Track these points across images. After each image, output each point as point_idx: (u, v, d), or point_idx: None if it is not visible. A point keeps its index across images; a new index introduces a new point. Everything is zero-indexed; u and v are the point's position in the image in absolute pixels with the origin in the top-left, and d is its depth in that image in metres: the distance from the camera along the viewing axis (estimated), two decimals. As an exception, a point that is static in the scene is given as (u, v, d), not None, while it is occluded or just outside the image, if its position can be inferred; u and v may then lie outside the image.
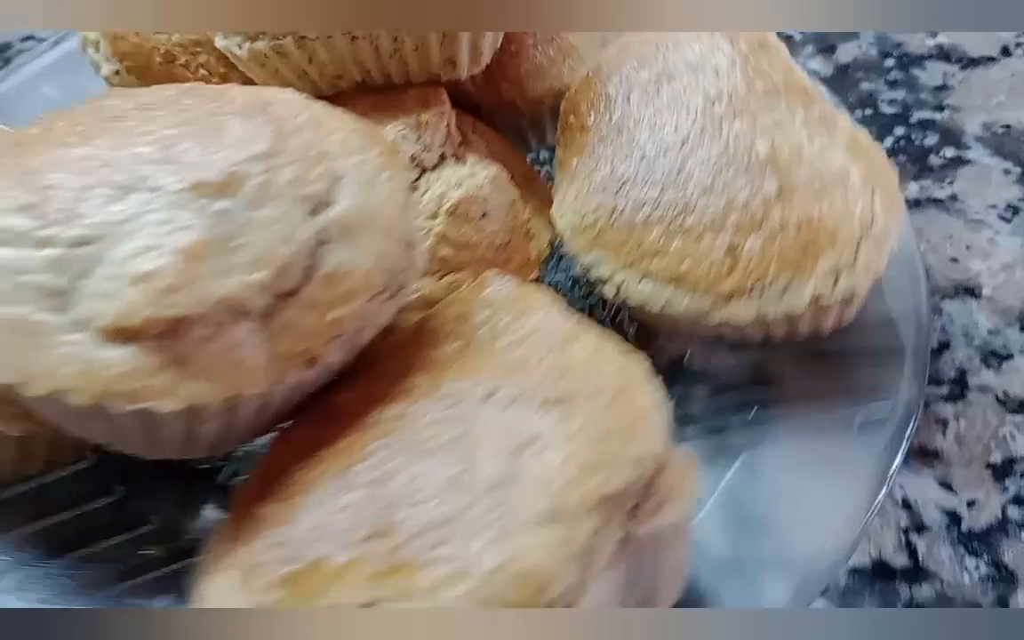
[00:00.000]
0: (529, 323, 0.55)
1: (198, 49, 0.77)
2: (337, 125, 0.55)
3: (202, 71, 0.77)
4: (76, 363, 0.46)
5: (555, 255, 0.77)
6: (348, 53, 0.68)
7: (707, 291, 0.65)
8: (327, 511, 0.49)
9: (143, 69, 0.78)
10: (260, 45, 0.67)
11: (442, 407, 0.51)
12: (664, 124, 0.69)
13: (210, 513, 0.68)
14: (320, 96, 0.62)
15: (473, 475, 0.48)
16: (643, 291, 0.66)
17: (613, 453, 0.49)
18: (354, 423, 0.52)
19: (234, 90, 0.56)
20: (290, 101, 0.55)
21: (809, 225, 0.64)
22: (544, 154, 0.89)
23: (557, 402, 0.50)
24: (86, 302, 0.47)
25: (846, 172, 0.67)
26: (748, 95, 0.69)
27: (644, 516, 0.50)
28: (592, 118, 0.73)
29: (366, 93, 0.71)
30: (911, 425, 0.64)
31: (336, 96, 0.69)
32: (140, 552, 0.63)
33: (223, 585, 0.50)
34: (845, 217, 0.65)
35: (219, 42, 0.70)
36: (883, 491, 0.62)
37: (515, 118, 0.82)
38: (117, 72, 0.79)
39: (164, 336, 0.47)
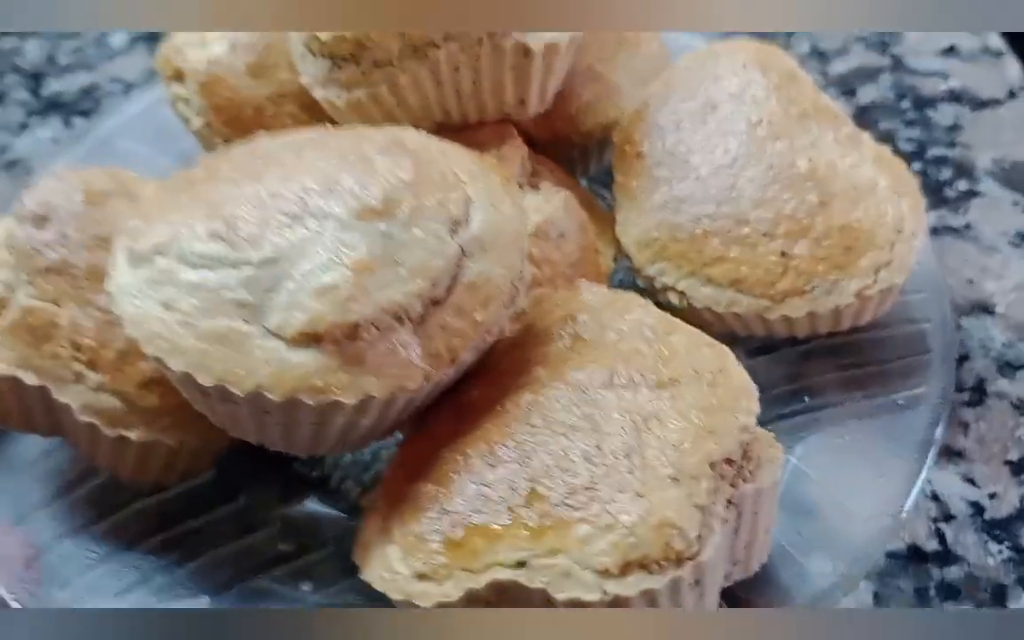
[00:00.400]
0: (630, 319, 0.63)
1: (283, 100, 0.86)
2: (459, 156, 0.63)
3: (288, 121, 0.85)
4: (271, 364, 0.54)
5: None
6: (434, 96, 0.76)
7: (764, 292, 0.74)
8: (480, 485, 0.56)
9: (234, 120, 0.85)
10: (358, 93, 0.75)
11: (568, 393, 0.59)
12: (714, 148, 0.79)
13: (320, 511, 0.75)
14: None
15: (605, 447, 0.56)
16: (707, 294, 0.75)
17: (721, 423, 0.57)
18: (488, 413, 0.60)
19: (367, 130, 0.65)
20: (418, 137, 0.64)
21: (849, 230, 0.74)
22: (583, 183, 0.97)
23: (668, 383, 0.59)
24: (276, 313, 0.55)
25: (875, 182, 0.77)
26: (785, 119, 0.79)
27: (745, 478, 0.59)
28: (646, 146, 0.82)
29: (445, 133, 0.79)
30: (942, 415, 0.72)
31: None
32: (278, 547, 0.70)
33: (387, 559, 0.57)
34: (879, 221, 0.75)
35: (317, 93, 0.77)
36: (921, 473, 0.69)
37: (567, 151, 0.90)
38: (208, 125, 0.87)
39: (342, 340, 0.55)
